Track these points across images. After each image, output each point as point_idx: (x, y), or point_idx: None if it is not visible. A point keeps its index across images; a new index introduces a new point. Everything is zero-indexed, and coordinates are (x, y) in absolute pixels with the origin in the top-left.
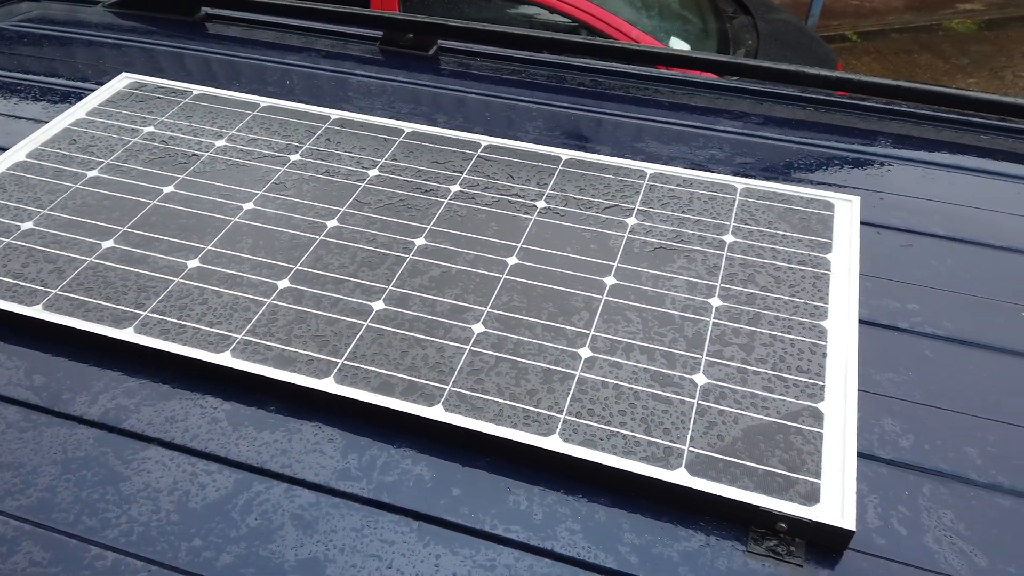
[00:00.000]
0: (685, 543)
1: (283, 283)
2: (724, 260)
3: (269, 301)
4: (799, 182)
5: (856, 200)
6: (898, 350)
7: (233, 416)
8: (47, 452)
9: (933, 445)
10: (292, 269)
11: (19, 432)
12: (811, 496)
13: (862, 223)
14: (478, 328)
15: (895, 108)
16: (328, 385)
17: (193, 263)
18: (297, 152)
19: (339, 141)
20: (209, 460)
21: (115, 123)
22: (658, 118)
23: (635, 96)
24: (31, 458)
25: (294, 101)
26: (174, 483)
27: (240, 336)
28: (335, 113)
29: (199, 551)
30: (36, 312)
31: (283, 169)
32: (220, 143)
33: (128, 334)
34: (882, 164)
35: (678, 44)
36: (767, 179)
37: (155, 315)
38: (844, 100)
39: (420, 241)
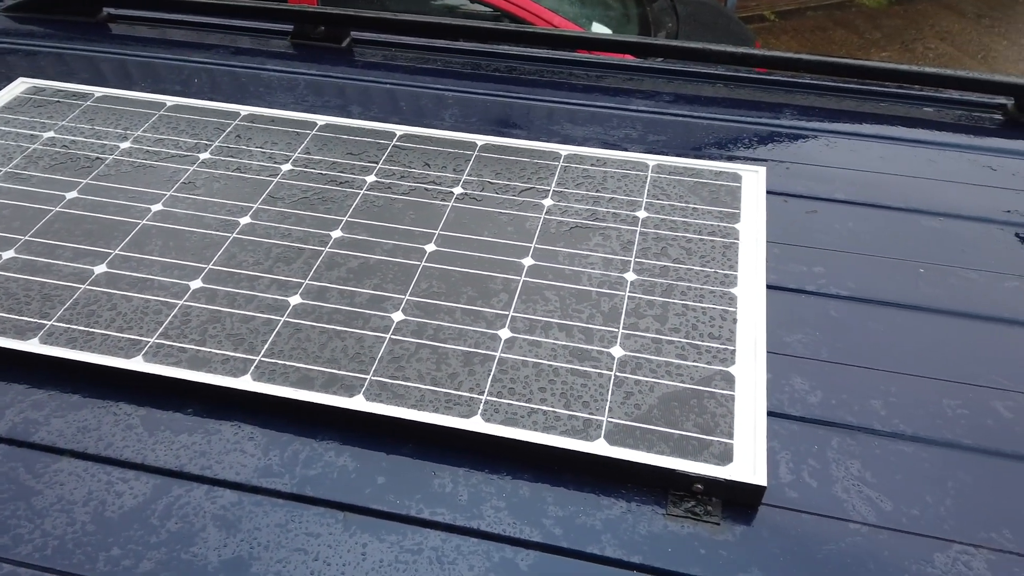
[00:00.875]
0: (607, 511)
1: (195, 283)
2: (638, 235)
3: (181, 303)
4: (709, 156)
5: (762, 171)
6: (805, 312)
7: (148, 421)
8: None
9: (839, 400)
10: (204, 269)
11: None
12: (725, 456)
13: (769, 192)
14: (398, 316)
15: (799, 81)
16: (245, 383)
17: (100, 269)
18: (206, 150)
19: (250, 137)
20: (125, 468)
21: (12, 130)
22: (573, 101)
23: (550, 80)
24: None
25: (203, 99)
26: (89, 493)
27: (152, 340)
28: (245, 109)
29: (118, 560)
30: None
31: (192, 168)
32: (125, 145)
33: (33, 345)
34: (788, 135)
35: (600, 30)
36: (678, 155)
37: (61, 324)
38: (751, 75)
39: (337, 233)
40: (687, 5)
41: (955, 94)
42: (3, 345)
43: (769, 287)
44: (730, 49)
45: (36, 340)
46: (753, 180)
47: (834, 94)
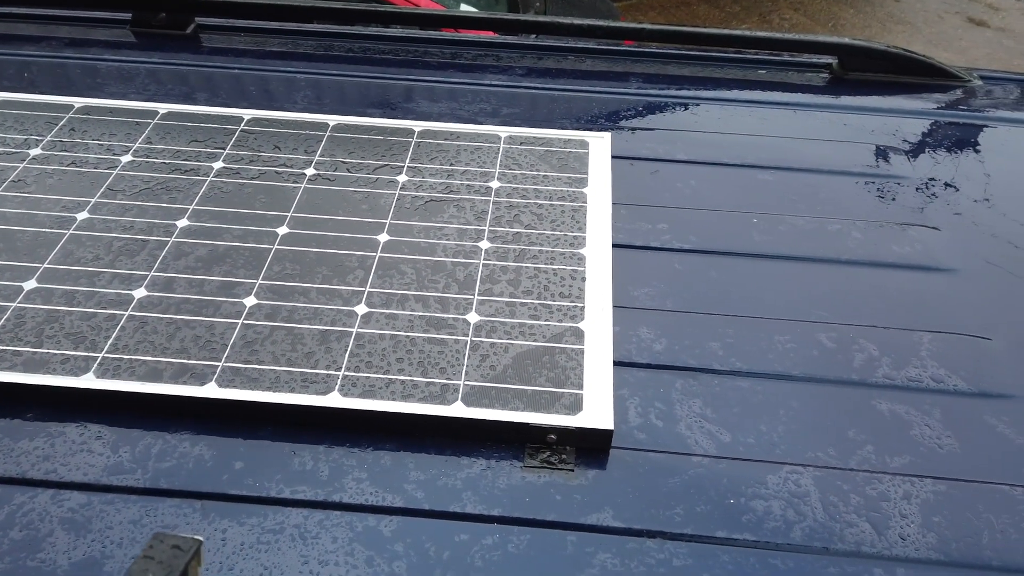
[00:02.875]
0: (468, 470)
1: (30, 284)
2: (491, 205)
3: (14, 305)
4: (560, 126)
5: (608, 136)
6: (651, 267)
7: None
8: None
9: (682, 345)
10: (39, 268)
11: None
12: (575, 406)
13: (616, 157)
14: (250, 301)
15: (645, 51)
16: (88, 381)
17: None
18: (37, 146)
19: (85, 130)
20: None
21: None
22: (427, 78)
23: (404, 59)
24: None
25: (33, 94)
26: None
27: None
28: (79, 101)
29: None
30: None
31: (22, 165)
32: None
33: None
34: (634, 103)
35: (468, 8)
36: (530, 126)
37: None
38: (600, 47)
39: (183, 222)
40: None
41: (787, 56)
42: None
43: (617, 246)
44: (578, 22)
45: None
46: (599, 146)
47: (677, 62)
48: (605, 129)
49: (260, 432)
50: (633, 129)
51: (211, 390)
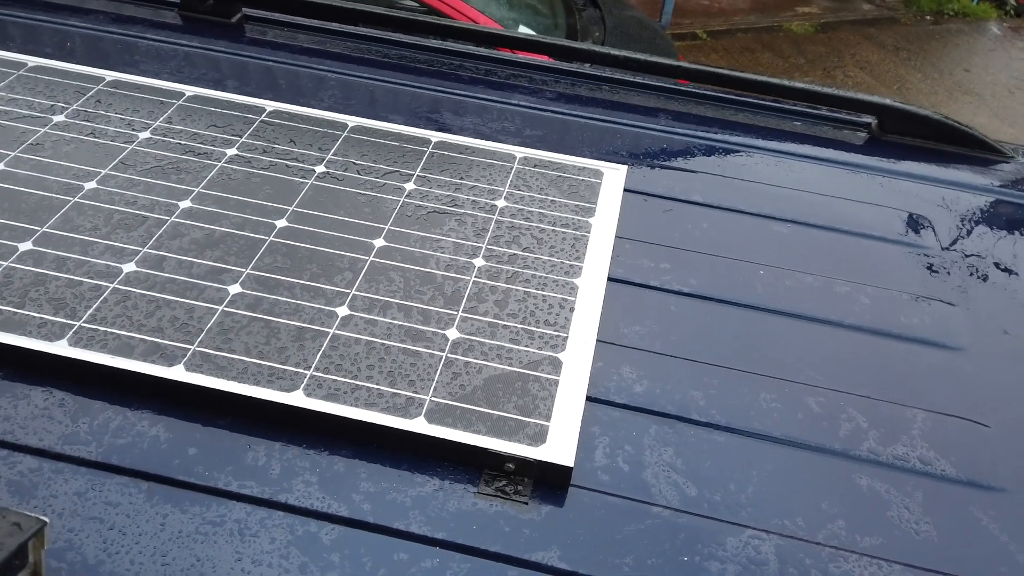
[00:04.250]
0: (420, 488)
1: (24, 245)
2: (493, 223)
3: (6, 264)
4: (578, 153)
5: (623, 169)
6: (645, 305)
7: None
8: None
9: (663, 389)
10: (37, 232)
11: None
12: (538, 437)
13: (631, 191)
14: (234, 289)
15: (679, 88)
16: (60, 348)
17: None
18: (62, 113)
19: (111, 103)
20: None
21: None
22: (456, 91)
23: (437, 70)
24: None
25: (70, 63)
26: None
27: None
28: (111, 75)
29: None
30: None
31: (43, 130)
32: None
33: None
34: (657, 138)
35: (525, 31)
36: (549, 150)
37: None
38: (633, 80)
39: (185, 204)
40: (615, 17)
41: (827, 111)
42: None
43: (614, 280)
44: (624, 54)
45: None
46: (614, 177)
47: (711, 103)
48: (624, 162)
49: (219, 421)
50: (652, 165)
51: (178, 372)
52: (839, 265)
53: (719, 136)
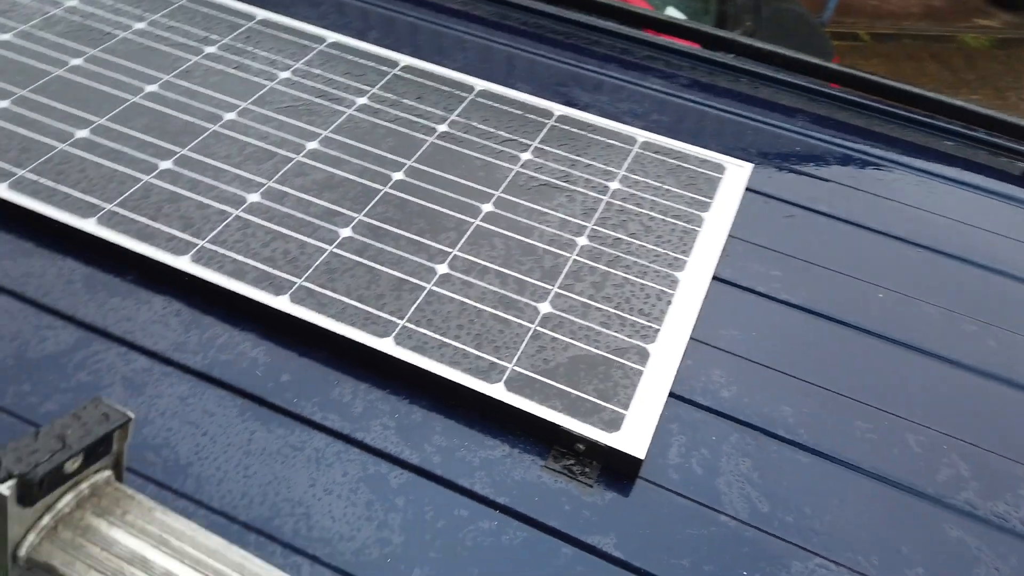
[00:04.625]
0: (489, 451)
1: (165, 164)
2: (603, 204)
3: (146, 179)
4: (703, 144)
5: (749, 167)
6: (748, 310)
7: (89, 280)
8: None
9: (752, 399)
10: (177, 152)
11: None
12: (613, 423)
13: (752, 190)
14: (345, 232)
15: (823, 90)
16: (183, 263)
17: (82, 133)
18: (214, 45)
19: (259, 41)
20: (55, 316)
21: None
22: (588, 67)
23: (573, 43)
24: None
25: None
26: (17, 332)
27: (109, 206)
28: (262, 13)
29: (26, 395)
30: None
31: (195, 59)
32: (139, 25)
33: (2, 190)
34: (793, 139)
35: (673, 12)
36: (673, 137)
37: (32, 175)
38: (776, 76)
39: (312, 145)
40: (772, 7)
41: (983, 134)
42: None
43: (720, 279)
44: (760, 45)
45: (5, 185)
46: (737, 174)
47: (856, 109)
48: (751, 160)
49: (314, 354)
50: (781, 167)
51: (283, 302)
52: (970, 301)
53: (859, 146)
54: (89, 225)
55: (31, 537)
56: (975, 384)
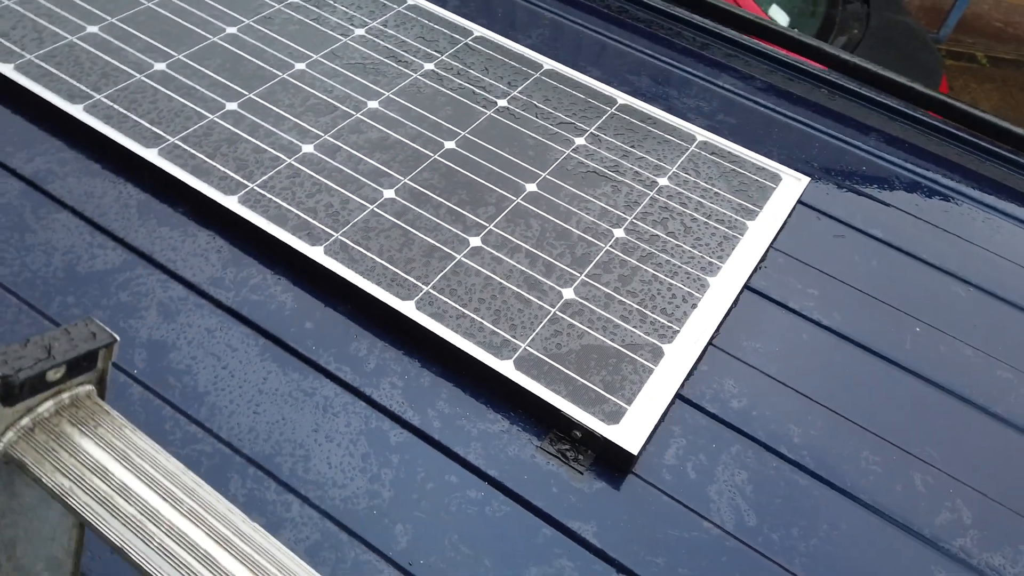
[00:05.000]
0: (488, 425)
1: (231, 105)
2: (647, 199)
3: (211, 117)
4: (764, 151)
5: (805, 180)
6: (776, 325)
7: (143, 207)
8: None
9: (761, 414)
10: (245, 96)
11: None
12: (614, 416)
13: (806, 204)
14: (388, 193)
15: (901, 109)
16: (231, 203)
17: (160, 66)
18: None
19: None
20: (107, 236)
21: None
22: (663, 57)
23: (652, 32)
24: None
25: None
26: (70, 247)
27: (172, 139)
28: None
29: (69, 307)
30: (6, 70)
31: (277, 7)
32: None
33: (77, 110)
34: (858, 157)
35: (777, 12)
36: (734, 140)
37: (107, 101)
38: (857, 90)
39: (373, 104)
40: (882, 18)
41: None
42: (54, 102)
43: (753, 290)
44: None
45: (81, 107)
46: (791, 186)
47: (936, 136)
48: (811, 173)
49: (339, 306)
50: (842, 184)
51: (317, 253)
52: (1012, 348)
53: (931, 173)
54: (151, 155)
55: (9, 434)
56: (997, 432)
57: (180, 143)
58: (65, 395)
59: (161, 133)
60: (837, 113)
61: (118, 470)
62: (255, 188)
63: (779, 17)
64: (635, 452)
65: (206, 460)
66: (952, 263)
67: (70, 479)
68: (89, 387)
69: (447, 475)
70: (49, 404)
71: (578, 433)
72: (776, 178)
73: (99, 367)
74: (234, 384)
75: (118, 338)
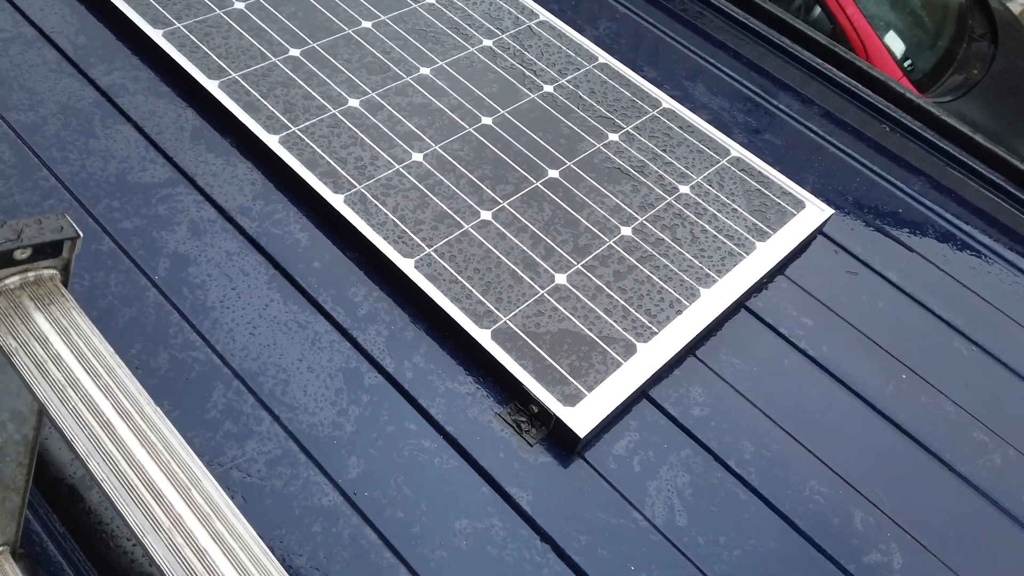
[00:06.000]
0: (456, 385)
1: (294, 51)
2: (663, 204)
3: (273, 60)
4: (798, 178)
5: (829, 211)
6: (761, 346)
7: (197, 132)
8: (57, 91)
9: (719, 426)
10: (307, 45)
11: (48, 70)
12: (571, 399)
13: (827, 236)
14: (417, 157)
15: (960, 157)
16: (271, 141)
17: (239, 5)
18: None
19: None
20: (159, 153)
21: None
22: (725, 68)
23: (721, 40)
24: (44, 91)
25: None
26: (126, 157)
27: (234, 75)
28: None
29: (113, 210)
30: None
31: None
32: None
33: (156, 35)
34: (898, 200)
35: (893, 40)
36: (772, 162)
37: (184, 30)
38: (913, 128)
39: (424, 70)
40: (1009, 61)
41: None
42: (139, 24)
43: (746, 308)
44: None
45: (161, 32)
46: (812, 216)
47: (984, 187)
48: (840, 206)
49: (347, 252)
50: (870, 222)
51: (337, 200)
52: (998, 414)
53: (968, 227)
54: (212, 86)
55: None
56: (955, 489)
57: (240, 79)
58: (31, 274)
59: (225, 67)
60: (890, 152)
61: (56, 342)
62: (296, 131)
63: (895, 46)
64: (582, 435)
65: (198, 367)
66: (962, 320)
67: (17, 342)
68: (53, 272)
69: (408, 423)
70: (15, 279)
71: (535, 408)
72: (800, 204)
73: (64, 256)
74: (239, 305)
75: (81, 234)
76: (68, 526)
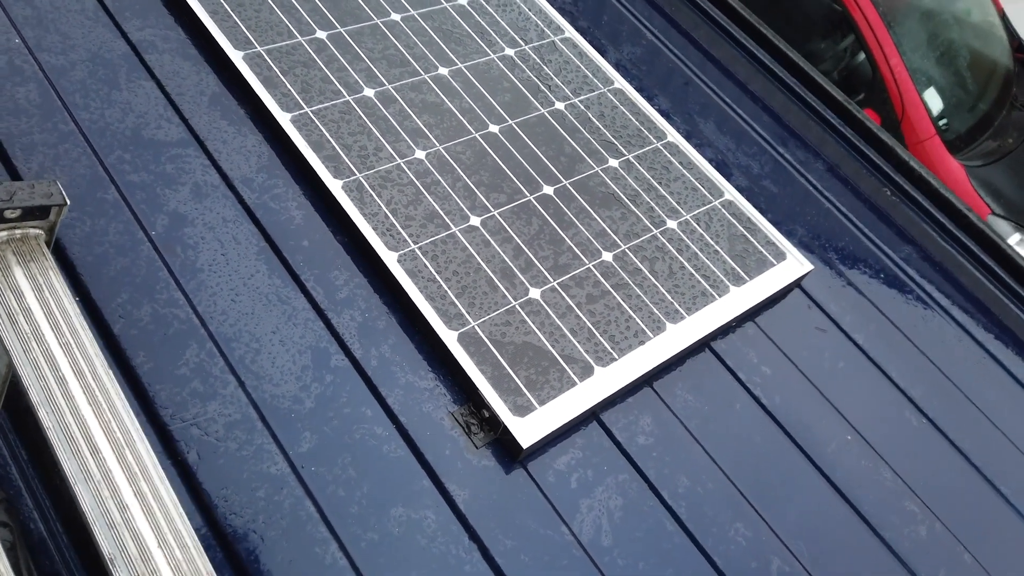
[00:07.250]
0: (416, 379)
1: (321, 34)
2: (648, 236)
3: (299, 39)
4: (788, 230)
5: (808, 267)
6: (716, 388)
7: (215, 99)
8: (90, 40)
9: (660, 458)
10: (335, 30)
11: (84, 17)
12: (521, 410)
13: (805, 292)
14: (419, 155)
15: (951, 230)
16: (283, 119)
17: None
18: None
19: None
20: (176, 113)
21: None
22: (739, 110)
23: (739, 79)
24: (78, 37)
25: None
26: (143, 113)
27: (258, 48)
28: None
29: (123, 162)
30: None
31: None
32: None
33: (192, 1)
34: (880, 262)
35: (932, 97)
36: (766, 211)
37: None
38: (915, 196)
39: (443, 70)
40: None
41: None
42: None
43: (713, 351)
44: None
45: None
46: (792, 269)
47: (975, 267)
48: (825, 262)
49: (337, 236)
50: (849, 282)
51: (335, 185)
52: (934, 489)
53: (948, 302)
54: (235, 56)
55: None
56: (874, 553)
57: (264, 53)
58: (18, 232)
59: (252, 40)
60: (886, 216)
61: (30, 297)
62: (309, 112)
63: (932, 103)
64: (525, 446)
65: (177, 324)
66: (919, 391)
67: None
68: (39, 232)
69: (364, 408)
70: (3, 234)
71: (487, 413)
72: (781, 256)
73: (51, 220)
74: (227, 271)
75: (68, 202)
76: (29, 452)
